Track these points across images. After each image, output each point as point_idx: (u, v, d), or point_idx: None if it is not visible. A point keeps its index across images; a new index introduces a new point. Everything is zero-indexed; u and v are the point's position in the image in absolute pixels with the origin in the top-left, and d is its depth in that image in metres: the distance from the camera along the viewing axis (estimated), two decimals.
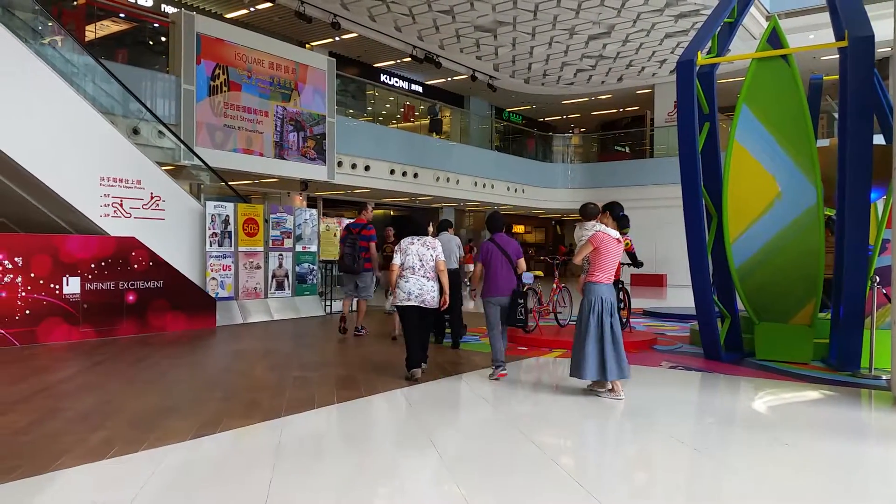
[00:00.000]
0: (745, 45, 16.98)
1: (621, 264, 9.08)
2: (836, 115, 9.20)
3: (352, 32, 18.34)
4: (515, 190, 22.57)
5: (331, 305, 12.52)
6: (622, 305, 9.37)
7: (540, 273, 9.63)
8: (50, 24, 10.33)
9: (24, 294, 8.07)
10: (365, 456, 4.25)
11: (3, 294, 7.91)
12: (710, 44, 7.94)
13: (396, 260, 6.51)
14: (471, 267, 9.29)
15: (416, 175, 18.38)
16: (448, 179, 19.67)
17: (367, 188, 17.51)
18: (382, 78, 22.29)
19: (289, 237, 11.77)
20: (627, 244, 9.09)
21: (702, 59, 7.62)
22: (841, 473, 4.05)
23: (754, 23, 17.53)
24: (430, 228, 7.25)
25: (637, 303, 12.50)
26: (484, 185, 21.13)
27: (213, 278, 10.55)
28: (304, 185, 16.09)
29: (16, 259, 8.02)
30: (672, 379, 6.73)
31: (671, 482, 3.91)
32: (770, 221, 7.35)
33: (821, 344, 7.51)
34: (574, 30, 18.21)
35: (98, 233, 9.08)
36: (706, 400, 6.12)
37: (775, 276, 7.31)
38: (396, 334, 9.00)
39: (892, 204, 6.89)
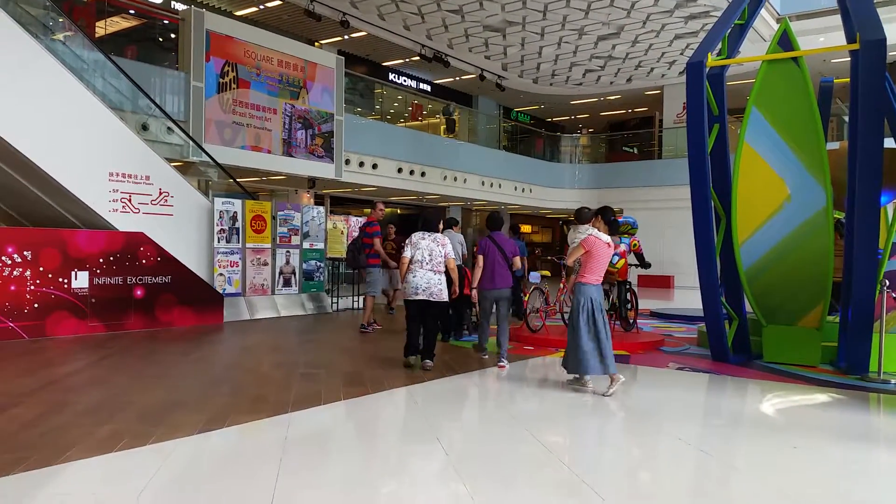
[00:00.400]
0: (755, 48, 16.91)
1: (629, 265, 9.08)
2: (847, 119, 9.16)
3: (361, 31, 18.36)
4: (523, 190, 22.54)
5: (337, 302, 12.54)
6: (629, 306, 9.35)
7: (547, 273, 9.61)
8: (61, 19, 10.37)
9: (32, 287, 8.11)
10: (371, 453, 4.26)
11: (13, 287, 7.95)
12: (720, 45, 7.91)
13: (407, 253, 6.79)
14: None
15: (423, 174, 18.38)
16: (455, 178, 19.67)
17: (374, 186, 17.52)
18: (391, 77, 22.31)
19: (296, 234, 11.78)
20: (635, 245, 9.08)
21: (712, 60, 7.60)
22: (849, 477, 4.03)
23: (765, 25, 17.47)
24: (440, 226, 7.38)
25: (644, 304, 12.48)
26: (491, 185, 21.11)
27: (221, 274, 10.58)
28: (312, 182, 16.11)
29: (25, 253, 8.06)
30: (679, 380, 6.72)
31: (677, 483, 3.90)
32: (779, 224, 7.32)
33: (829, 347, 7.48)
34: (583, 30, 18.18)
35: (106, 228, 9.12)
36: (713, 402, 6.10)
37: (784, 278, 7.28)
38: (363, 322, 9.37)
39: None
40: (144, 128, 10.99)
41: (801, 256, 7.18)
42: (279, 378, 6.25)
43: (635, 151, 26.67)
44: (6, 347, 7.44)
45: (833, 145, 9.96)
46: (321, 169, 15.02)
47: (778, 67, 7.40)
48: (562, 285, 9.65)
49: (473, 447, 4.39)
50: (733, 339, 7.78)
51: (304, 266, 11.88)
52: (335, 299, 12.59)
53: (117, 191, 9.25)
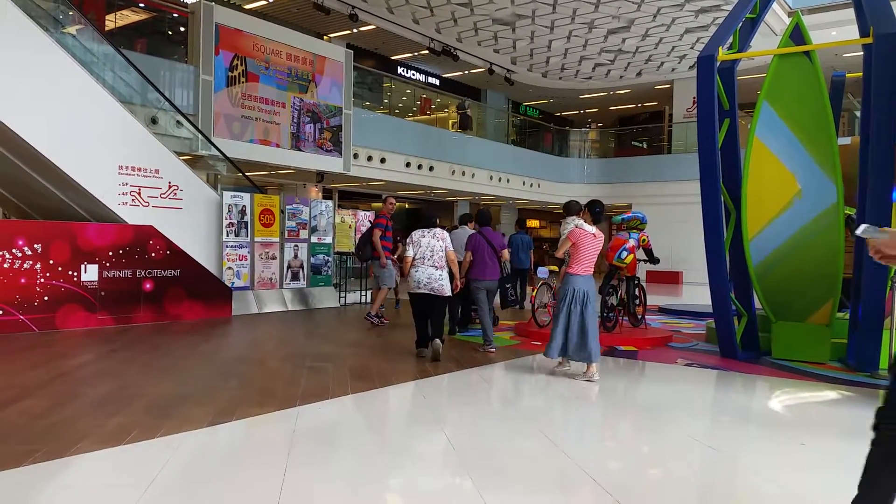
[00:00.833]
0: (766, 42, 16.79)
1: (637, 260, 9.05)
2: (858, 113, 9.08)
3: (369, 24, 18.33)
4: (531, 184, 22.49)
5: (345, 297, 12.56)
6: (638, 302, 9.32)
7: (555, 268, 9.58)
8: (71, 13, 10.40)
9: (42, 280, 8.16)
10: (378, 447, 4.27)
11: (23, 280, 8.00)
12: (731, 39, 7.85)
13: (409, 252, 7.09)
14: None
15: (431, 168, 18.36)
16: (463, 173, 19.64)
17: (382, 181, 17.53)
18: (399, 70, 22.27)
19: (304, 228, 11.81)
20: (644, 240, 9.03)
21: (723, 54, 7.54)
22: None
23: (776, 19, 17.33)
24: (437, 220, 7.50)
25: (653, 299, 12.44)
26: (500, 179, 21.08)
27: (230, 268, 10.62)
28: (320, 176, 16.13)
29: (35, 246, 8.11)
30: (688, 376, 6.69)
31: (686, 479, 3.89)
32: (789, 219, 7.27)
33: (838, 344, 7.43)
34: (593, 24, 18.09)
35: (116, 221, 9.16)
36: (722, 398, 6.08)
37: (793, 274, 7.24)
38: (371, 313, 9.50)
39: None
40: (154, 121, 11.02)
41: (812, 252, 7.13)
42: (287, 372, 6.27)
43: (644, 146, 26.54)
44: (16, 340, 7.50)
45: (844, 140, 9.90)
46: (329, 163, 15.03)
47: (790, 61, 7.34)
48: None
49: (481, 441, 4.39)
50: (742, 336, 7.75)
51: (313, 260, 11.90)
52: (343, 293, 12.61)
53: (127, 184, 9.29)
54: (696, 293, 16.47)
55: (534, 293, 9.34)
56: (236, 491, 3.34)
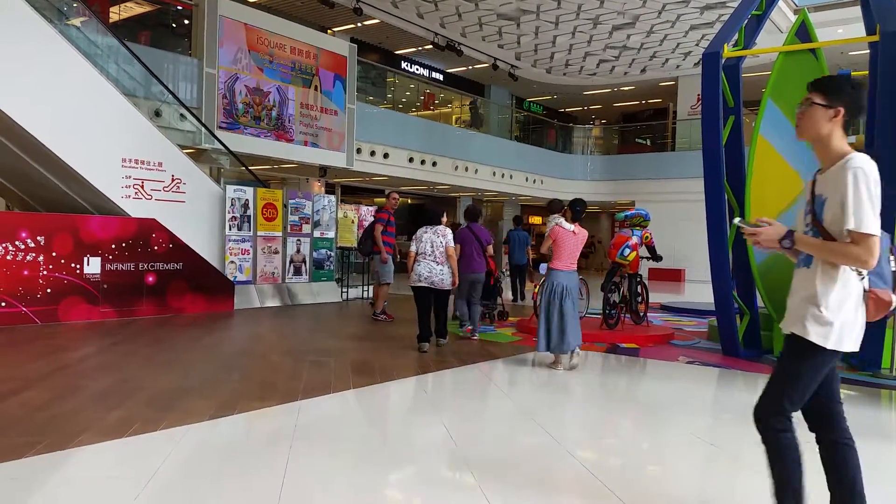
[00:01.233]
0: (771, 39, 16.72)
1: (640, 257, 9.03)
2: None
3: (374, 18, 18.28)
4: (534, 181, 22.46)
5: (347, 291, 12.56)
6: (640, 299, 9.31)
7: None
8: (75, 4, 10.39)
9: (45, 273, 8.17)
10: (380, 441, 4.27)
11: (26, 272, 8.00)
12: (736, 36, 7.82)
13: (412, 247, 7.34)
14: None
15: (434, 163, 18.34)
16: (467, 169, 19.61)
17: (385, 176, 17.51)
18: (403, 65, 22.22)
19: (307, 223, 11.80)
20: (647, 237, 9.02)
21: (728, 51, 7.51)
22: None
23: (782, 16, 17.26)
24: (444, 218, 7.71)
25: (655, 297, 12.41)
26: (503, 175, 21.04)
27: (232, 262, 10.62)
28: (323, 171, 16.12)
29: (38, 238, 8.12)
30: (689, 374, 6.69)
31: (688, 477, 3.88)
32: (793, 218, 7.19)
33: None
34: (598, 19, 18.03)
35: (119, 214, 9.16)
36: (724, 396, 6.07)
37: None
38: (377, 312, 9.65)
39: None
40: (157, 114, 11.00)
41: None
42: (289, 366, 6.27)
43: (648, 143, 26.47)
44: (19, 332, 7.51)
45: (849, 139, 9.84)
46: (333, 157, 15.01)
47: (795, 59, 7.31)
48: None
49: (482, 437, 4.39)
50: (744, 334, 7.73)
51: (315, 255, 11.90)
52: (345, 288, 12.61)
53: (130, 177, 9.28)
54: (699, 291, 16.45)
55: (535, 290, 9.32)
56: (238, 484, 3.34)
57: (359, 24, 18.92)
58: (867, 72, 7.08)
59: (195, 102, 12.26)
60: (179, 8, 14.57)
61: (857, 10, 8.63)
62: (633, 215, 9.07)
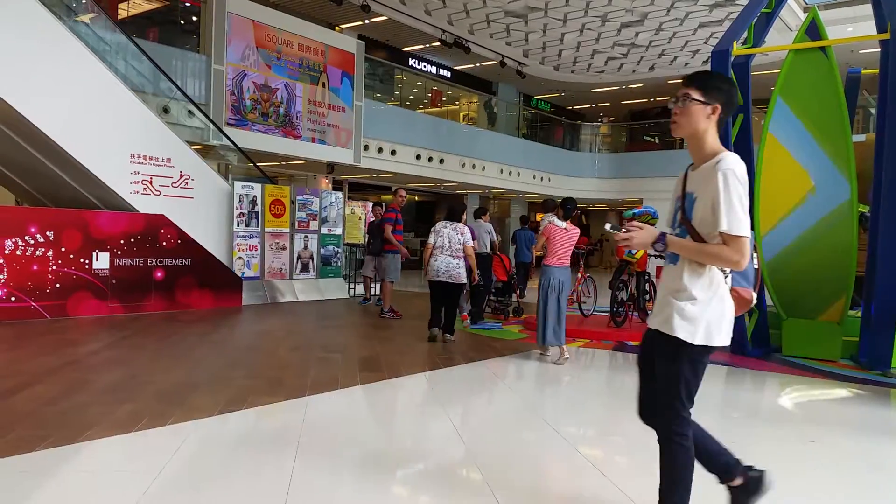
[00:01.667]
0: (781, 37, 16.63)
1: (648, 255, 9.01)
2: (874, 110, 8.99)
3: (381, 15, 18.26)
4: (542, 178, 22.41)
5: (354, 288, 12.57)
6: (648, 297, 9.29)
7: None
8: (83, 1, 10.43)
9: (54, 268, 8.21)
10: (387, 437, 4.28)
11: (35, 267, 8.05)
12: (745, 34, 7.78)
13: (430, 239, 7.61)
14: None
15: (441, 161, 18.33)
16: (474, 166, 19.59)
17: (392, 173, 17.50)
18: (411, 62, 22.20)
19: (314, 219, 11.82)
20: None
21: (737, 49, 7.48)
22: (868, 472, 3.99)
23: (792, 14, 17.16)
24: (464, 217, 7.97)
25: None
26: (510, 173, 21.01)
27: (240, 258, 10.65)
28: (331, 167, 16.13)
29: (47, 233, 8.16)
30: None
31: (696, 474, 3.87)
32: (802, 216, 7.22)
33: (850, 342, 7.38)
34: (606, 17, 17.96)
35: (128, 209, 9.19)
36: (732, 394, 6.05)
37: (805, 271, 7.19)
38: (385, 309, 9.61)
39: None
40: (165, 110, 11.04)
41: (824, 249, 7.08)
42: (296, 362, 6.29)
43: (657, 141, 26.36)
44: (28, 327, 7.56)
45: (859, 137, 9.80)
46: (340, 154, 15.02)
47: (805, 57, 7.28)
48: (579, 275, 9.60)
49: (490, 434, 4.39)
50: (752, 332, 7.70)
51: (322, 251, 11.92)
52: (352, 285, 12.63)
53: (138, 173, 9.32)
54: None
55: None
56: (245, 479, 3.36)
57: (366, 21, 18.91)
58: (878, 70, 7.05)
59: (203, 99, 12.28)
60: (188, 4, 14.60)
61: (867, 9, 8.58)
62: (642, 213, 9.03)
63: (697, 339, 2.46)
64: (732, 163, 2.41)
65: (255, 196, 10.89)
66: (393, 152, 16.84)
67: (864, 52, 18.12)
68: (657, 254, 2.63)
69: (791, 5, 16.77)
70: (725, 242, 2.38)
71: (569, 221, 6.90)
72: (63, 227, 8.31)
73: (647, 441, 4.48)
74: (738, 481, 2.80)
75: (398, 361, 6.45)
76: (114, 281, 8.73)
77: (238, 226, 10.64)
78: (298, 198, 11.63)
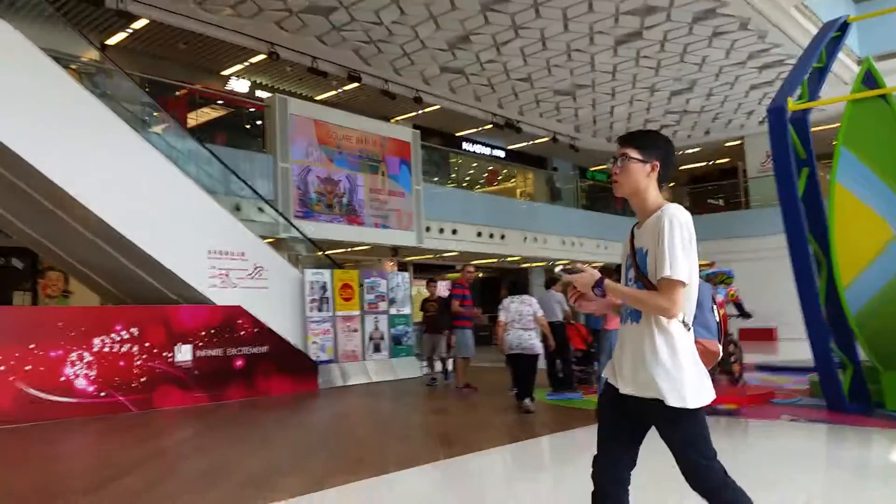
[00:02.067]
0: (834, 91, 16.45)
1: (728, 315, 8.74)
2: None
3: (433, 105, 18.96)
4: (605, 247, 22.26)
5: (427, 367, 12.56)
6: (733, 359, 8.94)
7: None
8: (156, 113, 11.23)
9: (139, 362, 8.51)
10: None
11: (121, 363, 8.35)
12: (799, 90, 7.75)
13: (501, 317, 7.84)
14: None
15: (503, 236, 18.47)
16: (535, 239, 19.66)
17: (455, 251, 17.72)
18: (465, 145, 22.80)
19: (383, 300, 12.00)
20: (733, 295, 8.76)
21: (793, 104, 7.42)
22: None
23: (844, 68, 17.01)
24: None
25: (748, 357, 11.89)
26: (572, 244, 20.98)
27: (314, 342, 10.83)
28: (395, 250, 16.46)
29: (132, 330, 8.50)
30: (794, 432, 6.33)
31: None
32: (885, 264, 6.93)
33: None
34: (655, 87, 18.18)
35: (206, 302, 9.53)
36: (835, 453, 5.70)
37: None
38: (460, 385, 9.67)
39: None
40: (237, 209, 11.56)
41: None
42: (376, 441, 6.27)
43: (721, 203, 26.00)
44: (116, 420, 7.78)
45: None
46: (403, 237, 15.35)
47: (866, 106, 7.19)
48: None
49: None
50: (850, 387, 7.27)
51: (393, 331, 12.03)
52: (424, 363, 12.61)
53: (215, 267, 9.69)
54: (794, 349, 15.67)
55: None
56: None
57: (419, 112, 19.64)
58: None
59: (272, 195, 12.83)
60: (252, 110, 15.52)
61: None
62: (716, 273, 8.86)
63: (690, 403, 2.38)
64: (677, 211, 2.42)
65: (325, 282, 11.16)
66: (454, 231, 17.09)
67: None
68: (599, 297, 2.55)
69: (843, 59, 16.66)
70: (661, 288, 2.35)
71: None
72: (146, 323, 8.65)
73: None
74: None
75: (478, 436, 6.35)
76: (196, 372, 8.97)
77: (311, 311, 10.88)
78: (366, 280, 11.87)
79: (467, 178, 21.88)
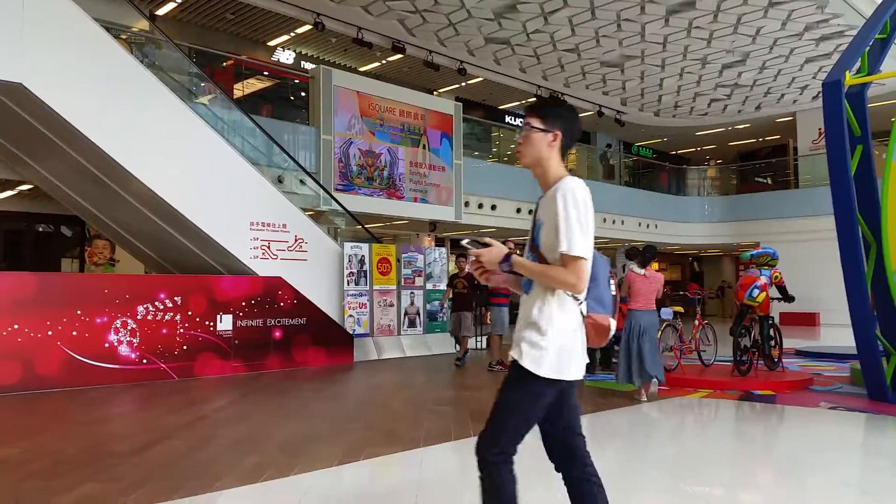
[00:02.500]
0: None
1: (770, 298, 8.55)
2: None
3: (477, 77, 18.78)
4: (647, 225, 21.90)
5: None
6: (773, 343, 8.76)
7: (680, 309, 9.24)
8: (203, 84, 11.36)
9: (182, 331, 8.73)
10: None
11: (164, 331, 8.58)
12: (859, 63, 7.42)
13: None
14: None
15: None
16: None
17: (493, 227, 17.65)
18: (507, 119, 22.58)
19: (420, 276, 12.05)
20: (776, 277, 8.53)
21: (850, 78, 7.12)
22: None
23: None
24: None
25: (788, 342, 11.65)
26: (613, 222, 20.68)
27: (351, 315, 10.96)
28: (433, 225, 16.47)
29: (175, 298, 8.71)
30: (833, 420, 6.19)
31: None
32: None
33: None
34: (706, 59, 17.66)
35: (248, 273, 9.70)
36: (874, 442, 5.56)
37: None
38: (493, 362, 9.52)
39: None
40: (280, 180, 11.69)
41: None
42: (409, 414, 6.34)
43: (769, 181, 25.27)
44: (159, 387, 8.02)
45: None
46: (442, 212, 15.34)
47: None
48: (696, 322, 9.22)
49: (612, 495, 4.22)
50: (892, 376, 7.08)
51: (428, 307, 12.08)
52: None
53: (257, 238, 9.84)
54: (836, 335, 15.30)
55: (658, 335, 9.00)
56: None
57: (463, 84, 19.48)
58: None
59: (314, 167, 12.93)
60: (297, 81, 15.59)
61: None
62: (760, 254, 8.63)
63: (543, 371, 2.35)
64: (573, 185, 2.38)
65: (363, 255, 11.25)
66: (493, 207, 17.01)
67: None
68: (507, 273, 2.48)
69: None
70: (564, 264, 2.32)
71: (648, 268, 7.39)
72: (189, 292, 8.86)
73: (788, 493, 4.18)
74: None
75: None
76: (236, 342, 9.18)
77: (348, 284, 10.99)
78: (404, 255, 11.92)
79: (508, 153, 21.69)
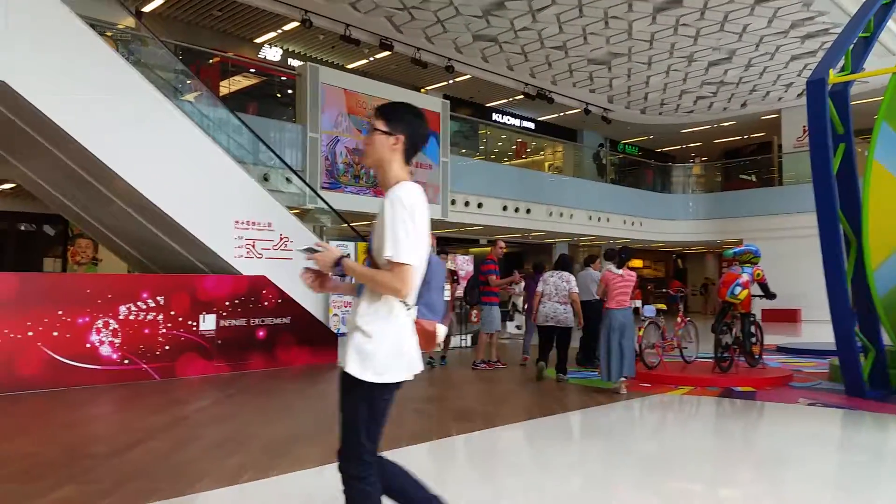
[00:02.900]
0: (881, 62, 15.87)
1: (752, 296, 8.61)
2: None
3: (465, 74, 18.78)
4: (633, 223, 21.99)
5: (448, 341, 12.61)
6: (754, 340, 8.83)
7: (663, 306, 9.28)
8: (189, 81, 11.28)
9: (164, 330, 8.67)
10: (480, 490, 4.21)
11: (146, 331, 8.51)
12: (842, 61, 7.47)
13: (539, 287, 8.48)
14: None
15: (528, 210, 18.36)
16: (561, 214, 19.49)
17: (479, 225, 17.67)
18: (494, 116, 22.59)
19: None
20: (759, 274, 8.59)
21: (834, 76, 7.17)
22: None
23: (892, 37, 16.40)
24: (576, 266, 8.30)
25: (769, 338, 11.74)
26: (599, 219, 20.75)
27: (335, 314, 10.94)
28: None
29: (158, 298, 8.64)
30: (811, 416, 6.24)
31: None
32: None
33: None
34: (693, 56, 17.74)
35: (232, 272, 9.65)
36: (851, 438, 5.62)
37: None
38: (477, 361, 9.65)
39: None
40: (265, 178, 11.63)
41: None
42: (392, 414, 6.31)
43: (754, 179, 25.44)
44: (140, 387, 7.96)
45: None
46: (429, 210, 15.32)
47: None
48: (678, 319, 9.27)
49: (590, 488, 4.25)
50: (870, 373, 7.15)
51: None
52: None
53: (242, 237, 9.77)
54: (817, 331, 15.43)
55: (640, 332, 9.04)
56: None
57: (451, 81, 19.47)
58: None
59: (300, 165, 12.89)
60: (283, 79, 15.53)
61: None
62: (743, 252, 8.69)
63: (367, 376, 2.38)
64: (402, 191, 2.38)
65: (349, 254, 11.19)
66: (479, 205, 17.02)
67: None
68: (339, 277, 2.50)
69: (892, 28, 16.03)
70: (391, 269, 2.32)
71: (624, 268, 7.61)
72: (172, 291, 8.79)
73: (765, 489, 4.22)
74: None
75: (492, 412, 6.38)
76: (219, 341, 9.13)
77: None
78: None
79: (495, 151, 21.71)
